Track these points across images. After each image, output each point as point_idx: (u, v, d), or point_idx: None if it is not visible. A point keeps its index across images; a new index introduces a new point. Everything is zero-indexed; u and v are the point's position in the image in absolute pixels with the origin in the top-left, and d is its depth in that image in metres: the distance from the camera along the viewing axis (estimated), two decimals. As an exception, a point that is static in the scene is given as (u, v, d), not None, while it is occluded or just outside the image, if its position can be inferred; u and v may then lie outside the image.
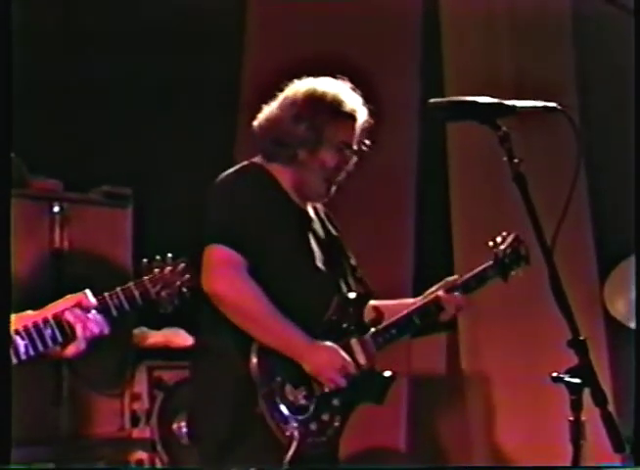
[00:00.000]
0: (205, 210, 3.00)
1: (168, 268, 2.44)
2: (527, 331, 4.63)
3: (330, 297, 3.02)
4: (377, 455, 4.94)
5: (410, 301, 3.20)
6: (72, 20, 4.83)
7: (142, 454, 4.51)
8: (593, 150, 4.12)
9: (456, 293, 3.15)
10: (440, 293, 3.14)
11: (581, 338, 2.18)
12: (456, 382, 4.91)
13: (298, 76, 3.14)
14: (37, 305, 2.45)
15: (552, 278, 2.22)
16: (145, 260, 2.46)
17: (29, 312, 2.40)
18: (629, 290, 4.15)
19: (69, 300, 2.39)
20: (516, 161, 2.27)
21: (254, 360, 2.87)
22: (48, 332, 2.34)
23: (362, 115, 3.12)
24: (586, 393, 2.16)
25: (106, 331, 2.39)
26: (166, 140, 5.01)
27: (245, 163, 3.11)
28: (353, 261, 3.19)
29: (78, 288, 2.47)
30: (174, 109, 5.00)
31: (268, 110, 3.10)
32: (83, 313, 2.36)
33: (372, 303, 3.19)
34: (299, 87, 3.12)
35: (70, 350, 2.39)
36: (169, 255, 2.47)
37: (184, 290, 2.46)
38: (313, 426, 2.89)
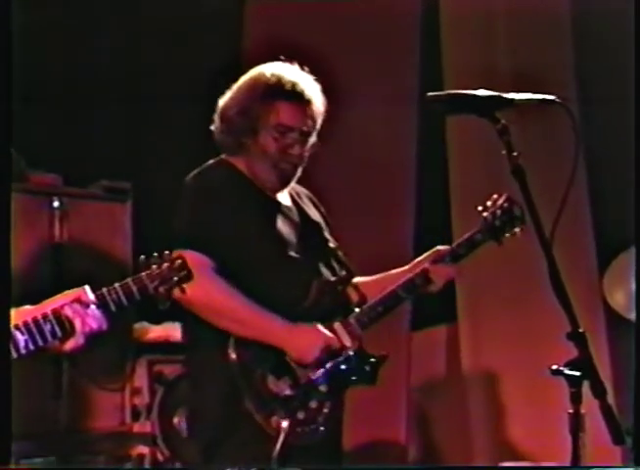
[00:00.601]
0: (175, 211, 3.00)
1: (166, 264, 2.44)
2: (527, 324, 4.63)
3: (308, 283, 2.97)
4: (377, 448, 4.94)
5: (397, 271, 3.15)
6: (71, 16, 4.82)
7: (143, 449, 4.52)
8: (592, 142, 4.12)
9: (445, 263, 3.08)
10: (427, 265, 3.08)
11: (581, 330, 2.18)
12: (456, 375, 4.91)
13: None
14: (37, 300, 2.45)
15: (551, 270, 2.22)
16: (142, 257, 2.47)
17: (28, 307, 2.40)
18: (629, 282, 4.14)
19: (68, 295, 2.40)
20: (514, 153, 2.28)
21: (233, 356, 2.85)
22: (47, 327, 2.35)
23: (311, 97, 3.03)
24: (586, 385, 2.16)
25: (104, 327, 2.40)
26: (165, 134, 5.01)
27: (210, 161, 3.10)
28: (333, 244, 3.14)
29: (78, 282, 2.47)
30: (173, 102, 5.00)
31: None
32: (82, 308, 2.36)
33: (359, 280, 3.14)
34: (247, 73, 3.08)
35: (69, 344, 2.39)
36: (166, 251, 2.47)
37: (183, 286, 2.46)
38: (301, 415, 2.86)
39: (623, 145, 3.76)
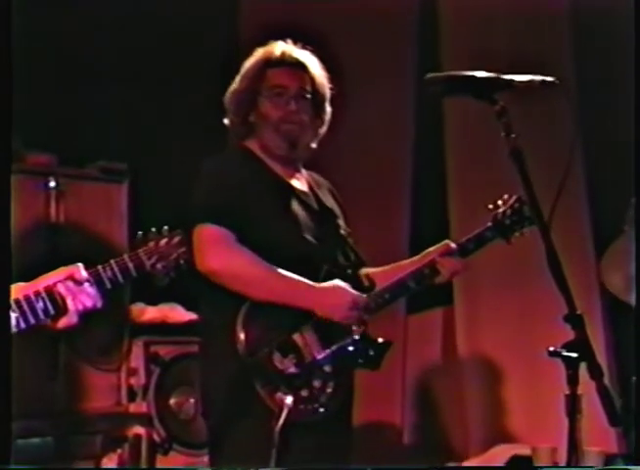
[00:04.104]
0: (191, 192, 3.02)
1: (164, 240, 2.41)
2: (523, 306, 4.64)
3: (319, 266, 3.01)
4: (373, 431, 4.95)
5: (407, 262, 3.19)
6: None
7: (139, 429, 4.53)
8: (591, 125, 4.11)
9: (453, 257, 3.12)
10: (436, 256, 3.11)
11: (578, 312, 2.18)
12: (452, 358, 4.92)
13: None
14: (31, 280, 2.43)
15: (549, 252, 2.22)
16: (140, 233, 2.44)
17: (20, 284, 2.38)
18: (627, 264, 4.14)
19: (61, 272, 2.37)
20: (513, 135, 2.27)
21: (241, 335, 2.89)
22: (40, 305, 2.33)
23: (306, 62, 3.10)
24: (582, 367, 2.17)
25: (99, 304, 2.37)
26: (162, 114, 5.00)
27: (229, 148, 3.18)
28: (345, 231, 3.18)
29: (74, 263, 2.45)
30: (171, 83, 4.98)
31: None
32: (75, 286, 2.34)
33: (368, 270, 3.19)
34: None
35: (62, 322, 2.37)
36: (165, 227, 2.45)
37: (181, 262, 2.44)
38: (304, 393, 2.90)
39: (621, 128, 3.76)
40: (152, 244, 2.40)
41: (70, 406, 4.32)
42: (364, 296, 3.02)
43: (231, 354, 2.90)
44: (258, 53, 3.15)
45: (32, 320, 2.33)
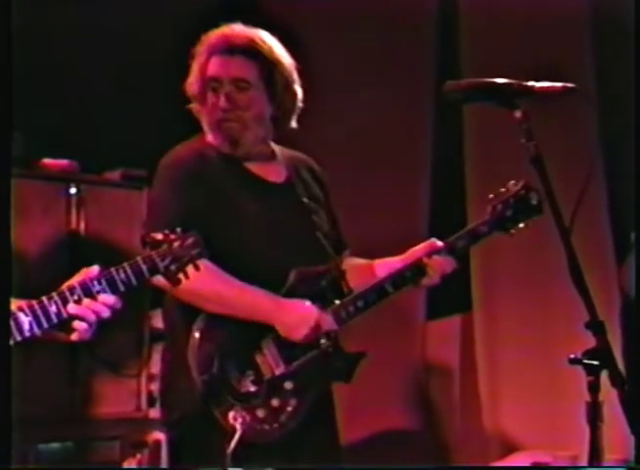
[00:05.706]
0: (151, 192, 2.88)
1: (177, 242, 2.37)
2: (544, 312, 4.61)
3: (288, 270, 2.81)
4: (392, 437, 4.94)
5: (391, 259, 2.93)
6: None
7: (159, 434, 4.54)
8: (612, 130, 4.10)
9: (441, 255, 2.87)
10: (423, 256, 2.86)
11: (599, 319, 2.17)
12: (470, 364, 4.90)
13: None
14: (52, 287, 2.42)
15: (570, 259, 2.21)
16: (152, 235, 2.38)
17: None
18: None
19: (73, 279, 2.35)
20: (534, 142, 2.26)
21: (194, 348, 2.71)
22: (52, 309, 2.31)
23: (250, 47, 2.82)
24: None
25: (118, 305, 2.34)
26: (182, 121, 4.99)
27: (190, 141, 2.97)
28: (320, 232, 2.93)
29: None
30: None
31: None
32: (89, 303, 2.31)
33: (347, 263, 2.97)
34: None
35: (75, 336, 2.35)
36: (178, 229, 2.39)
37: (197, 263, 2.38)
38: (260, 413, 2.70)
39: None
40: (165, 246, 2.36)
41: (90, 412, 4.33)
42: (330, 316, 2.78)
43: (188, 368, 2.70)
44: (202, 40, 2.89)
45: (45, 324, 2.27)
